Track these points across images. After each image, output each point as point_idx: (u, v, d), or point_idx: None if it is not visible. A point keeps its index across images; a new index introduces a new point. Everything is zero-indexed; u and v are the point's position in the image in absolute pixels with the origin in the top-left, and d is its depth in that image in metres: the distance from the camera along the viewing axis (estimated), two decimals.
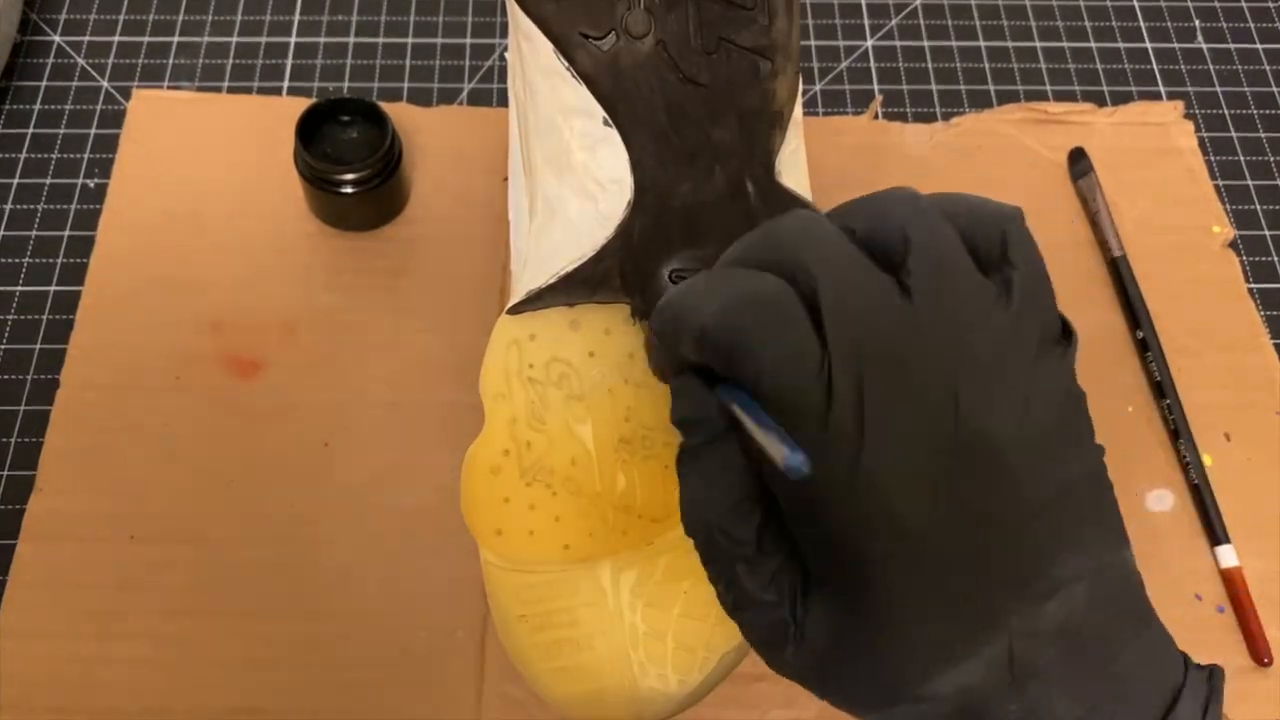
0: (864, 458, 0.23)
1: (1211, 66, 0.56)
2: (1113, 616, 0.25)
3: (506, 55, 0.41)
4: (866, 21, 0.57)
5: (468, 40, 0.55)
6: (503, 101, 0.53)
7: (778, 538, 0.26)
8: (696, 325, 0.25)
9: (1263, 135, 0.54)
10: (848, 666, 0.25)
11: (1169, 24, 0.58)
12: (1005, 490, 0.24)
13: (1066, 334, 0.25)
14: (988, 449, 0.24)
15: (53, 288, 0.47)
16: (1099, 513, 0.26)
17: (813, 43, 0.56)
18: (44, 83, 0.53)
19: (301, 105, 0.47)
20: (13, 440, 0.44)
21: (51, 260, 0.48)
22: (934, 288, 0.24)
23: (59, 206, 0.49)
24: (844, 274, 0.24)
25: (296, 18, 0.56)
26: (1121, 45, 0.57)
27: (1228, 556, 0.43)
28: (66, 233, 0.49)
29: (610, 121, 0.35)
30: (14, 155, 0.51)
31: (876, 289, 0.24)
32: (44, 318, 0.47)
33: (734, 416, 0.24)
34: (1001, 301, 0.24)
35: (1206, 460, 0.45)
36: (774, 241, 0.25)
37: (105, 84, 0.53)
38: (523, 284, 0.36)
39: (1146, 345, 0.46)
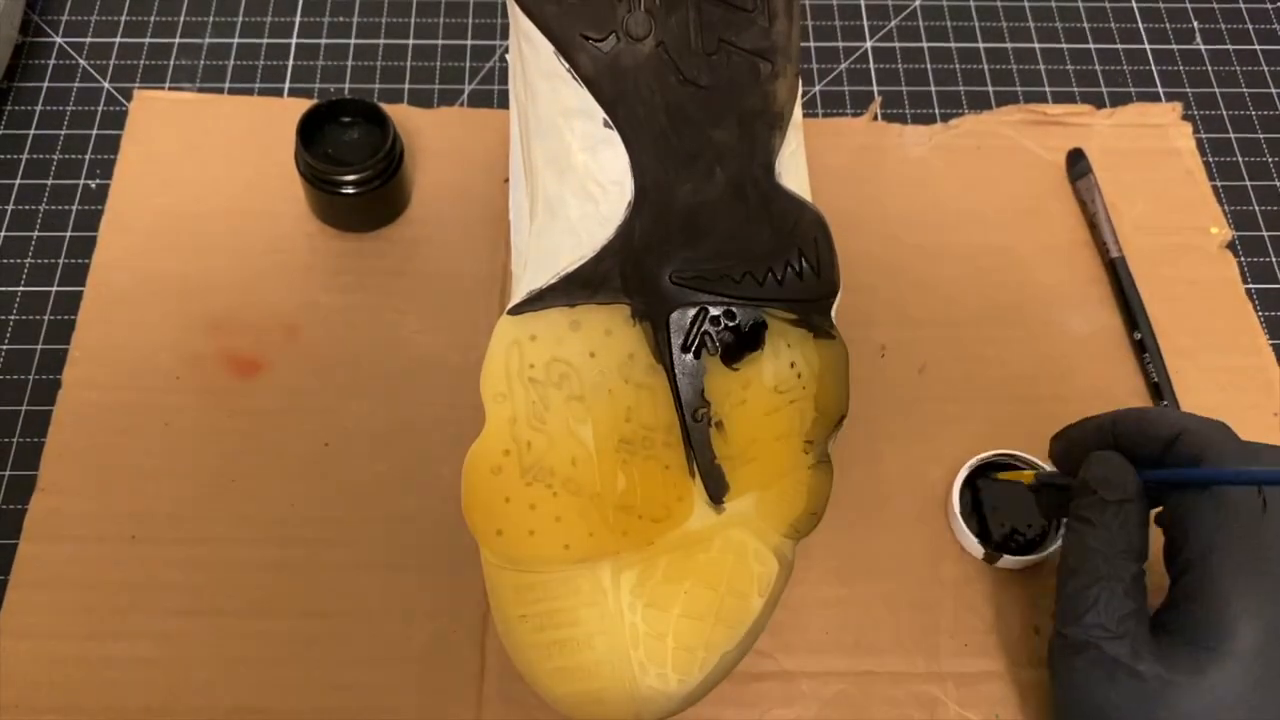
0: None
1: (1210, 68, 0.56)
2: None
3: (507, 57, 0.41)
4: (866, 23, 0.57)
5: (468, 42, 0.55)
6: (503, 103, 0.53)
7: (1138, 589, 0.34)
8: (1176, 427, 0.35)
9: (1261, 136, 0.54)
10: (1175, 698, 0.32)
11: (1167, 25, 0.58)
12: None
13: None
14: None
15: (54, 288, 0.47)
16: None
17: (812, 44, 0.56)
18: (45, 84, 0.53)
19: (302, 106, 0.47)
20: (14, 440, 0.44)
21: (53, 261, 0.48)
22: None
23: (60, 207, 0.50)
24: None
25: (298, 19, 0.56)
26: (1120, 47, 0.57)
27: None
28: (68, 233, 0.49)
29: (611, 123, 0.35)
30: (16, 156, 0.51)
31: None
32: (45, 318, 0.47)
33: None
34: None
35: None
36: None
37: (107, 85, 0.53)
38: (523, 284, 0.36)
39: (1144, 346, 0.46)
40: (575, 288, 0.35)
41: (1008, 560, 0.41)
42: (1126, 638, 0.33)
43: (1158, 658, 0.32)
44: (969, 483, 0.42)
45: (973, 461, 0.42)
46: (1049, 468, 0.41)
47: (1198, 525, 0.33)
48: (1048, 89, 0.55)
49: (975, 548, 0.41)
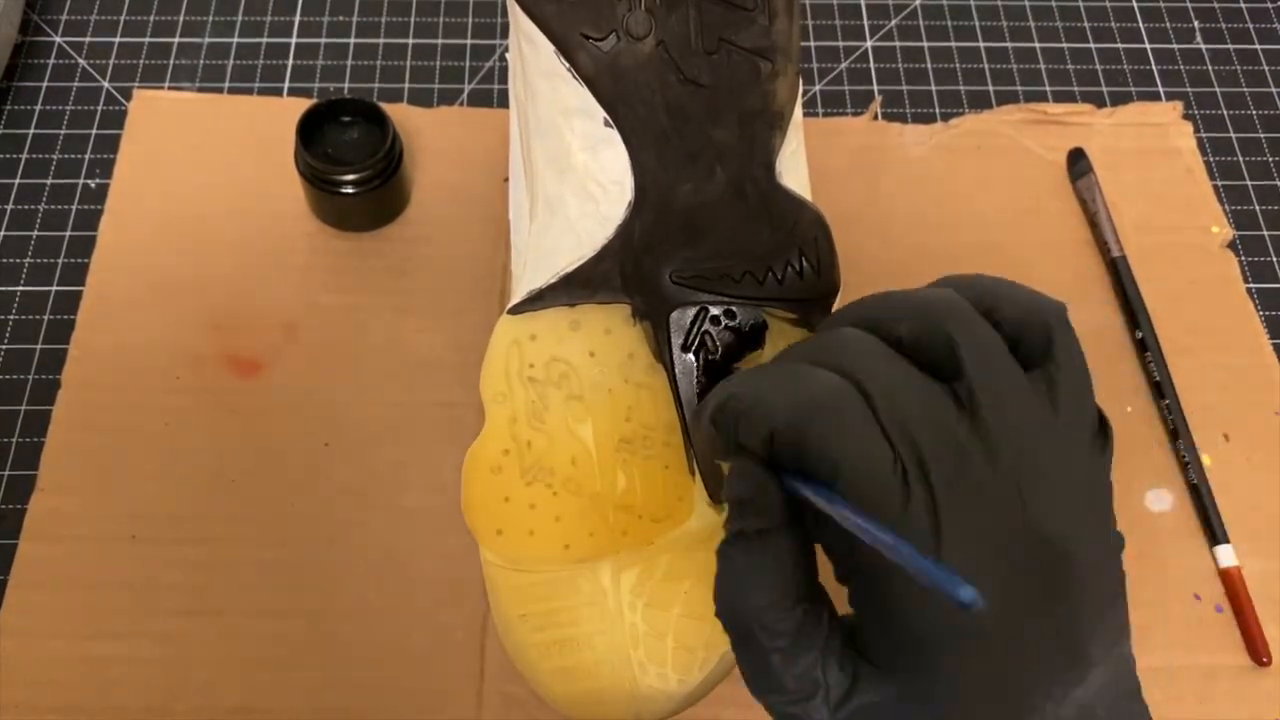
0: (942, 554, 0.24)
1: (1210, 67, 0.56)
2: (1118, 698, 0.26)
3: (507, 56, 0.41)
4: (866, 22, 0.57)
5: (468, 41, 0.55)
6: (503, 102, 0.53)
7: (814, 630, 0.26)
8: (764, 425, 0.25)
9: (1261, 136, 0.54)
10: None
11: (1168, 25, 0.58)
12: (1062, 585, 0.25)
13: (1104, 429, 0.27)
14: (1052, 548, 0.25)
15: (54, 288, 0.47)
16: (1115, 600, 0.27)
17: (812, 43, 0.56)
18: (45, 83, 0.53)
19: (302, 106, 0.47)
20: (14, 440, 0.44)
21: (53, 260, 0.48)
22: (987, 400, 0.25)
23: (60, 207, 0.50)
24: (894, 380, 0.25)
25: (297, 18, 0.56)
26: (1120, 46, 0.57)
27: (1226, 556, 0.43)
28: (67, 233, 0.49)
29: (611, 122, 0.35)
30: (15, 156, 0.51)
31: (932, 400, 0.25)
32: (45, 318, 0.47)
33: (818, 510, 0.25)
34: (1049, 404, 0.25)
35: (1205, 460, 0.45)
36: (822, 349, 0.26)
37: (106, 84, 0.53)
38: (523, 284, 0.36)
39: (1145, 345, 0.46)
40: (575, 287, 0.35)
41: None
42: (817, 694, 0.26)
43: (861, 696, 0.25)
44: None
45: None
46: None
47: (843, 545, 0.26)
48: (1048, 88, 0.55)
49: None
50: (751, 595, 0.26)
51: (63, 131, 0.52)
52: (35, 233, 0.49)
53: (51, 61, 0.54)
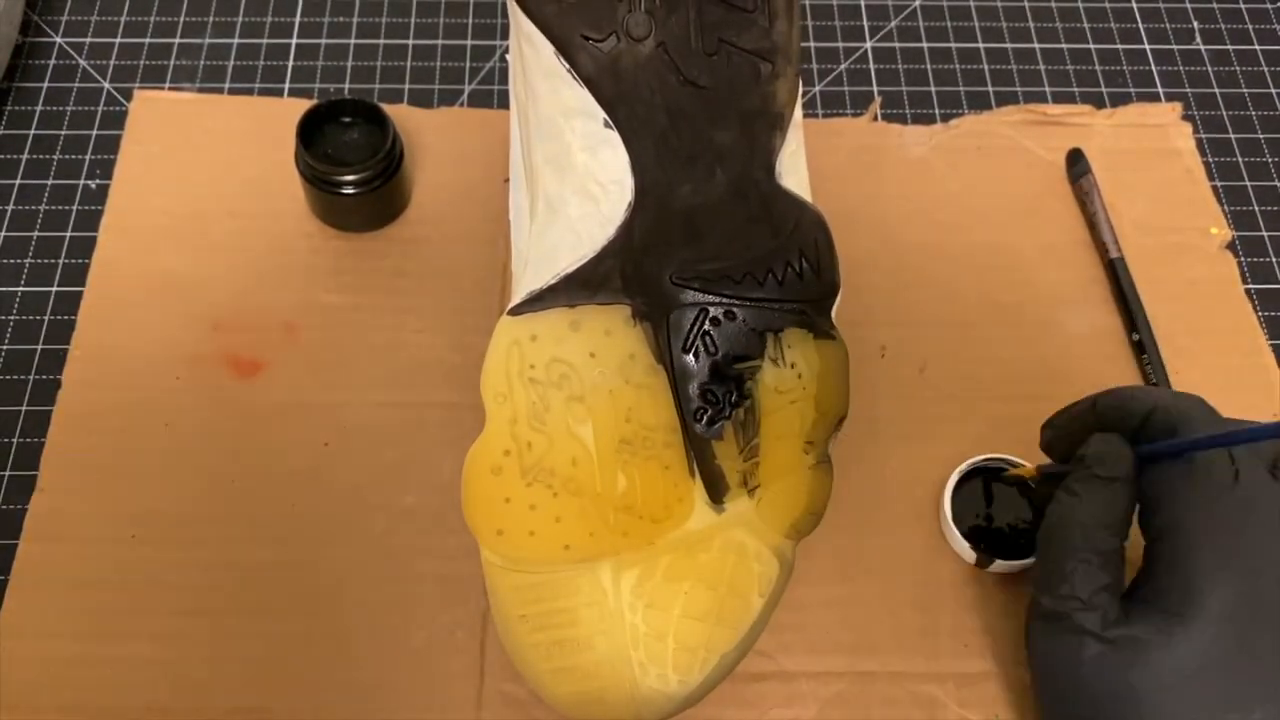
0: (1248, 529, 0.32)
1: (1210, 68, 0.56)
2: None
3: (507, 57, 0.41)
4: (865, 23, 0.57)
5: (468, 42, 0.55)
6: (503, 103, 0.53)
7: (1115, 563, 0.34)
8: (1147, 404, 0.35)
9: (1261, 136, 0.54)
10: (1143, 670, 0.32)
11: (1167, 25, 0.58)
12: None
13: None
14: None
15: (54, 288, 0.47)
16: None
17: (812, 44, 0.56)
18: (45, 84, 0.53)
19: (302, 106, 0.47)
20: (14, 440, 0.44)
21: (53, 261, 0.48)
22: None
23: (60, 207, 0.50)
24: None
25: (298, 19, 0.56)
26: (1120, 47, 0.57)
27: None
28: (68, 233, 0.49)
29: (611, 123, 0.35)
30: (16, 156, 0.51)
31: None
32: (46, 318, 0.47)
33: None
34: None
35: None
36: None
37: (107, 85, 0.53)
38: (524, 285, 0.36)
39: (1144, 347, 0.46)
40: (575, 288, 0.35)
41: (1000, 565, 0.41)
42: (1098, 609, 0.33)
43: (1128, 625, 0.33)
44: (965, 485, 0.42)
45: (963, 467, 0.42)
46: (1013, 458, 0.42)
47: (1171, 495, 0.34)
48: (1048, 89, 0.55)
49: (967, 553, 0.41)
50: (1090, 516, 0.34)
51: (63, 132, 0.52)
52: (36, 233, 0.49)
53: (52, 62, 0.54)
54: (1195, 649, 0.32)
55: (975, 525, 0.42)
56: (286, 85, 0.54)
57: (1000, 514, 0.42)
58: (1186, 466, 0.33)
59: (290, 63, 0.54)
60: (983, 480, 0.42)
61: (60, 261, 0.48)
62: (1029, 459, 0.42)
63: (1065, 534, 0.35)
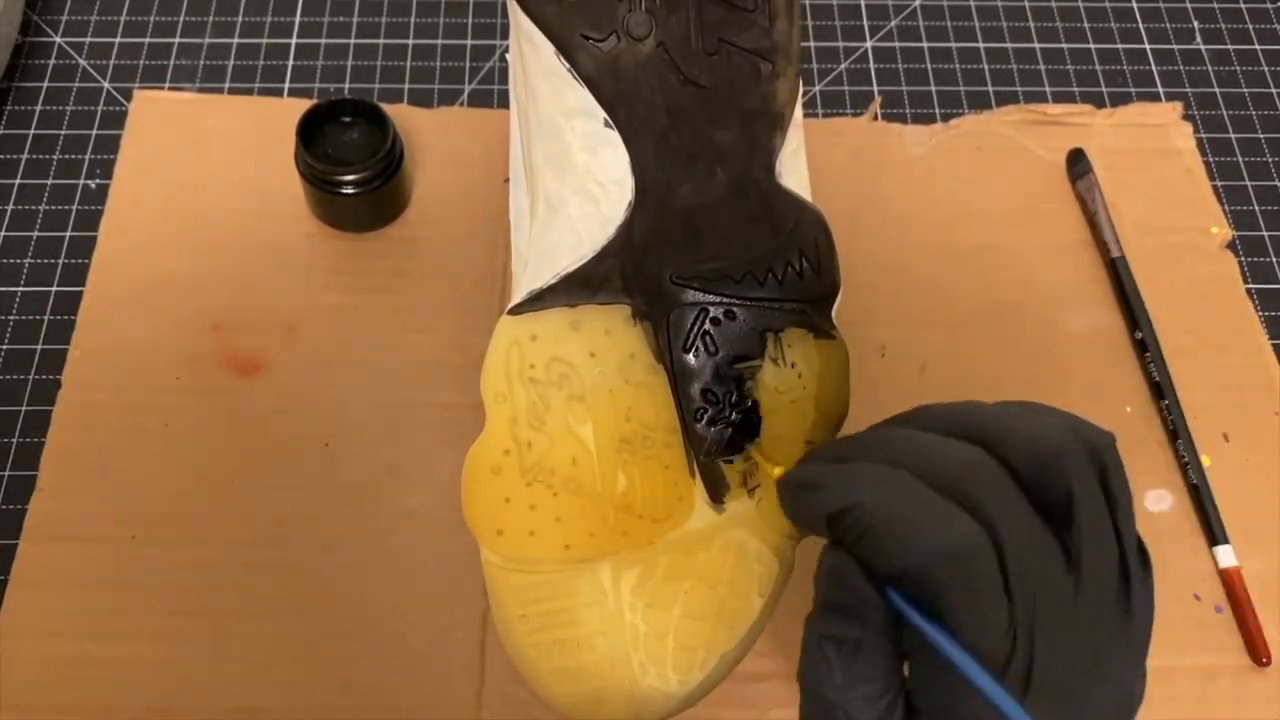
0: (1029, 703, 0.25)
1: (1210, 68, 0.56)
2: None
3: (507, 57, 0.41)
4: (866, 23, 0.57)
5: (468, 42, 0.55)
6: (503, 103, 0.53)
7: (890, 716, 0.27)
8: (898, 563, 0.25)
9: (1261, 136, 0.54)
10: None
11: (1167, 25, 0.58)
12: None
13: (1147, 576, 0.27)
14: (1125, 712, 0.27)
15: (54, 288, 0.47)
16: None
17: (812, 44, 0.56)
18: (45, 84, 0.53)
19: (302, 106, 0.47)
20: (14, 440, 0.44)
21: (53, 261, 0.48)
22: (1093, 569, 0.26)
23: (60, 207, 0.50)
24: (1024, 534, 0.26)
25: (298, 19, 0.56)
26: (1120, 46, 0.57)
27: (1226, 556, 0.43)
28: (68, 233, 0.49)
29: (611, 123, 0.35)
30: (15, 156, 0.51)
31: (1051, 555, 0.26)
32: (45, 318, 0.47)
33: (933, 647, 0.25)
34: (1124, 578, 0.26)
35: (1205, 461, 0.45)
36: (955, 476, 0.26)
37: (107, 85, 0.53)
38: (524, 284, 0.36)
39: (1145, 346, 0.46)
40: (575, 288, 0.35)
41: None
42: None
43: None
44: None
45: None
46: None
47: (930, 685, 0.26)
48: (1048, 89, 0.55)
49: None
50: (840, 690, 0.26)
51: (63, 132, 0.52)
52: (36, 233, 0.49)
53: (52, 62, 0.54)
54: None
55: None
56: (286, 85, 0.54)
57: None
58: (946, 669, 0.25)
59: (290, 63, 0.54)
60: None
61: (60, 261, 0.48)
62: None
63: (822, 709, 0.27)
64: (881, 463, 0.27)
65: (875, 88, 0.55)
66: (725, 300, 0.35)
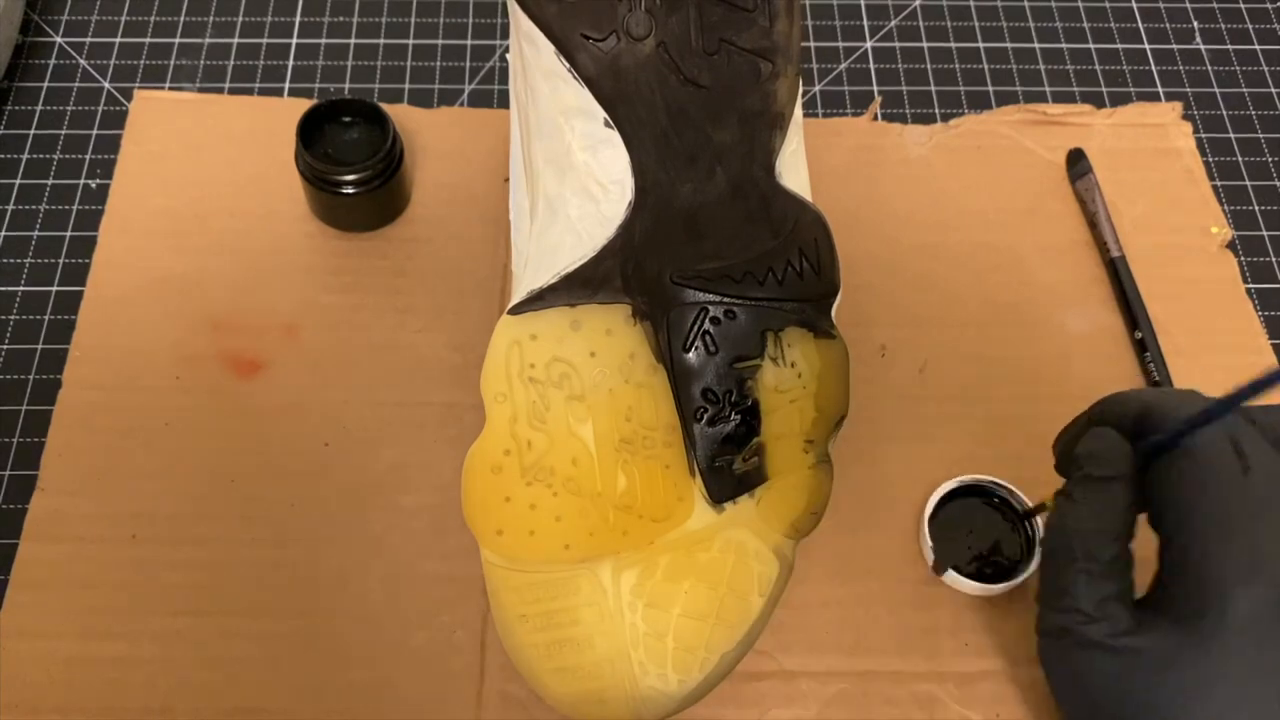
0: (1258, 521, 0.30)
1: (1210, 67, 0.56)
2: None
3: (507, 56, 0.41)
4: (866, 23, 0.57)
5: (469, 41, 0.55)
6: (504, 103, 0.53)
7: (1119, 569, 0.32)
8: (1138, 403, 0.34)
9: (1261, 136, 0.54)
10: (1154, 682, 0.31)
11: (1167, 25, 0.58)
12: None
13: None
14: None
15: (54, 288, 0.47)
16: None
17: (812, 44, 0.56)
18: (46, 84, 0.53)
19: (302, 106, 0.47)
20: (14, 440, 0.44)
21: (53, 260, 0.48)
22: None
23: (61, 207, 0.50)
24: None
25: (298, 19, 0.56)
26: (1120, 46, 0.57)
27: None
28: (68, 233, 0.49)
29: (611, 122, 0.35)
30: (16, 156, 0.51)
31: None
32: (46, 318, 0.47)
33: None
34: None
35: None
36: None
37: (107, 85, 0.53)
38: (524, 284, 0.36)
39: (1145, 346, 0.46)
40: (576, 287, 0.35)
41: (953, 578, 0.40)
42: (1105, 620, 0.32)
43: (1141, 636, 0.31)
44: (957, 499, 0.42)
45: (950, 485, 0.42)
46: (1022, 495, 0.41)
47: (1177, 494, 0.31)
48: (1048, 89, 0.55)
49: (928, 553, 0.41)
50: (1087, 520, 0.33)
51: (63, 132, 0.52)
52: (36, 233, 0.49)
53: (52, 62, 0.54)
54: (1214, 662, 0.30)
55: (960, 539, 0.41)
56: (286, 85, 0.54)
57: (986, 535, 0.41)
58: (1189, 461, 0.31)
59: (290, 63, 0.54)
60: (980, 500, 0.42)
61: (60, 261, 0.48)
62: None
63: (1063, 543, 0.33)
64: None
65: (875, 88, 0.55)
66: (725, 300, 0.35)
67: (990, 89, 0.55)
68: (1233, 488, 0.31)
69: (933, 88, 0.55)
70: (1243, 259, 0.50)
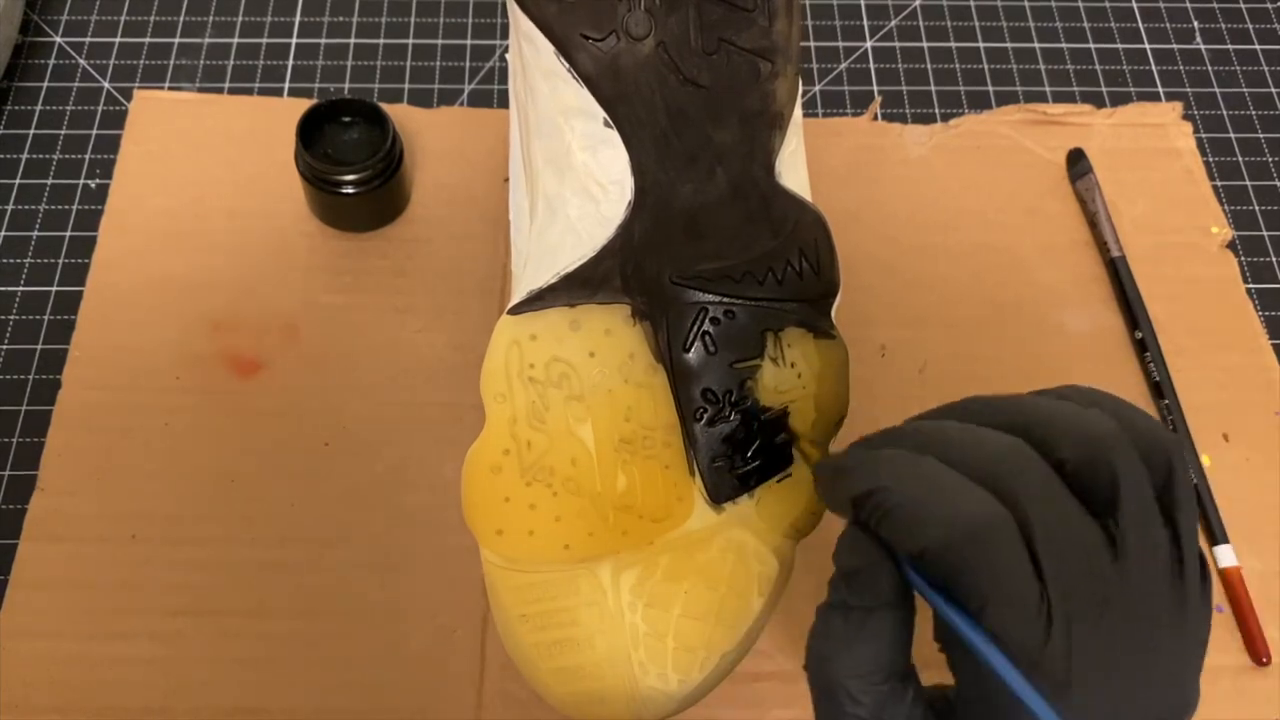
0: (1072, 694, 0.24)
1: (1210, 67, 0.56)
2: None
3: (507, 56, 0.41)
4: (866, 23, 0.57)
5: (468, 41, 0.55)
6: (503, 103, 0.53)
7: (897, 702, 0.26)
8: (918, 541, 0.25)
9: (1261, 136, 0.54)
10: None
11: (1167, 25, 0.58)
12: None
13: (1204, 579, 0.26)
14: (1178, 713, 0.25)
15: (54, 288, 0.47)
16: None
17: (812, 44, 0.56)
18: (45, 84, 0.53)
19: (302, 106, 0.47)
20: (14, 440, 0.44)
21: (53, 260, 0.48)
22: (1140, 550, 0.24)
23: (60, 207, 0.50)
24: (1059, 518, 0.25)
25: (298, 19, 0.56)
26: (1120, 46, 0.57)
27: (1226, 556, 0.43)
28: (68, 233, 0.49)
29: (611, 122, 0.35)
30: (15, 156, 0.51)
31: (1094, 543, 0.24)
32: (45, 318, 0.47)
33: (956, 629, 0.25)
34: (1176, 555, 0.25)
35: (1205, 460, 0.45)
36: (985, 456, 0.26)
37: (106, 85, 0.53)
38: (523, 284, 0.36)
39: (1145, 346, 0.46)
40: (575, 287, 0.35)
41: None
42: None
43: None
44: None
45: None
46: None
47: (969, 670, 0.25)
48: (1048, 89, 0.55)
49: None
50: (843, 662, 0.26)
51: (63, 132, 0.52)
52: (35, 233, 0.49)
53: (52, 61, 0.54)
54: None
55: None
56: (286, 85, 0.54)
57: None
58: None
59: (290, 62, 0.54)
60: None
61: (60, 261, 0.48)
62: None
63: (824, 685, 0.27)
64: (912, 450, 0.27)
65: (875, 88, 0.55)
66: (725, 300, 0.35)
67: (990, 89, 0.55)
68: (1034, 666, 0.24)
69: (933, 88, 0.55)
70: (1243, 259, 0.50)
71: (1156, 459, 0.25)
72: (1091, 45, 0.57)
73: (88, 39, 0.55)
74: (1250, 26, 0.58)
